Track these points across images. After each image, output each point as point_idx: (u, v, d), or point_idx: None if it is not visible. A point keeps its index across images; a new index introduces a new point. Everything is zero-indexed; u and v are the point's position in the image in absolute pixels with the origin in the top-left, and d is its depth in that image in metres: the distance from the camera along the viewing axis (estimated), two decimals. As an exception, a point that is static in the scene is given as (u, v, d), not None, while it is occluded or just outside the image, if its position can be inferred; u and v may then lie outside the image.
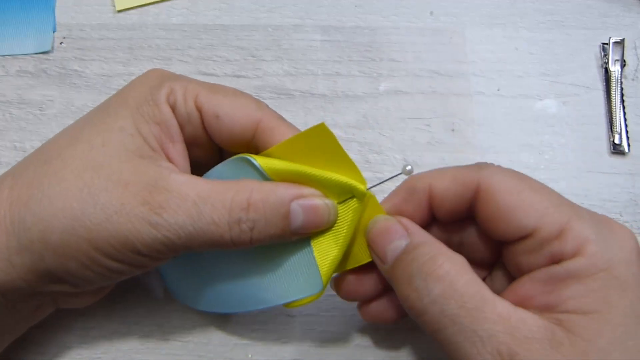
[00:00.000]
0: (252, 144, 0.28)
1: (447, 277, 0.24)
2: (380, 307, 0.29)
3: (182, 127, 0.27)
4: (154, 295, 0.34)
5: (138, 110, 0.27)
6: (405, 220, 0.27)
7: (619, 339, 0.22)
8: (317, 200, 0.26)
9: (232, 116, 0.27)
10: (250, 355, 0.33)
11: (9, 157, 0.38)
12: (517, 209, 0.24)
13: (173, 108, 0.27)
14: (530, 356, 0.22)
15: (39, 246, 0.25)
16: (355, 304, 0.30)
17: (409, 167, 0.25)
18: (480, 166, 0.26)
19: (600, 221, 0.25)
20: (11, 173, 0.27)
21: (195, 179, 0.26)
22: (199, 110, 0.27)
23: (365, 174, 0.37)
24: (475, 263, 0.29)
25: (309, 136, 0.26)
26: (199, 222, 0.25)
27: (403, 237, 0.26)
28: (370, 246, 0.27)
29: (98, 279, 0.26)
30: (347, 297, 0.29)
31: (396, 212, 0.27)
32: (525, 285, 0.25)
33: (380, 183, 0.27)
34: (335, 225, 0.27)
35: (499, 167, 0.26)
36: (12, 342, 0.30)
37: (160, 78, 0.28)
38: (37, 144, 0.38)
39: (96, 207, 0.24)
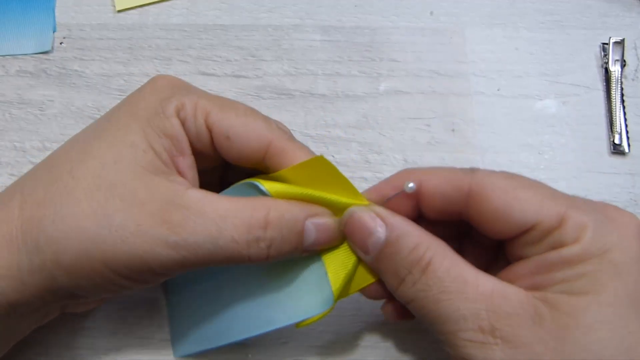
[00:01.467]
0: (263, 165, 0.28)
1: (430, 266, 0.25)
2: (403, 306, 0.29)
3: (190, 142, 0.27)
4: (155, 296, 0.34)
5: (149, 123, 0.26)
6: (382, 210, 0.27)
7: (607, 319, 0.22)
8: (329, 219, 0.27)
9: (243, 138, 0.27)
10: (250, 355, 0.33)
11: (9, 157, 0.38)
12: (514, 207, 0.24)
13: (183, 123, 0.27)
14: (511, 331, 0.23)
15: (52, 267, 0.25)
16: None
17: (410, 185, 0.26)
18: (471, 169, 0.26)
19: (598, 208, 0.25)
20: (19, 190, 0.26)
21: (211, 195, 0.26)
22: (209, 129, 0.27)
23: (365, 174, 0.38)
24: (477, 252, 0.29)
25: (309, 167, 0.26)
26: (219, 240, 0.25)
27: (381, 228, 0.26)
28: (349, 238, 0.27)
29: (107, 293, 0.26)
30: (373, 295, 0.29)
31: (382, 201, 0.27)
32: (519, 267, 0.25)
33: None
34: (346, 242, 0.27)
35: (490, 170, 0.26)
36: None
37: (171, 89, 0.28)
38: (37, 144, 0.38)
39: (111, 228, 0.24)
